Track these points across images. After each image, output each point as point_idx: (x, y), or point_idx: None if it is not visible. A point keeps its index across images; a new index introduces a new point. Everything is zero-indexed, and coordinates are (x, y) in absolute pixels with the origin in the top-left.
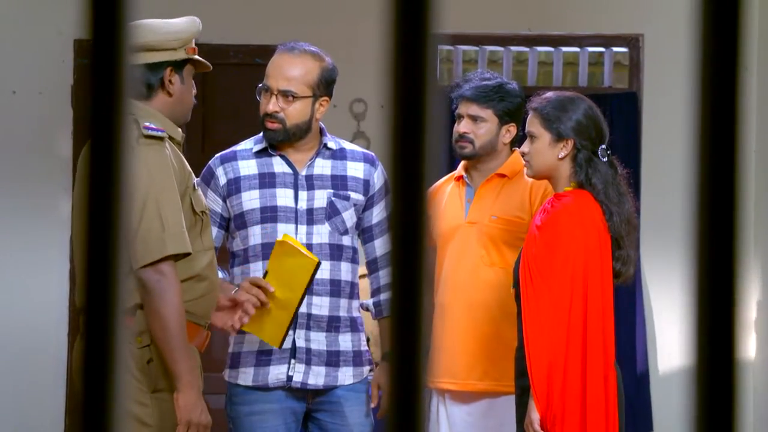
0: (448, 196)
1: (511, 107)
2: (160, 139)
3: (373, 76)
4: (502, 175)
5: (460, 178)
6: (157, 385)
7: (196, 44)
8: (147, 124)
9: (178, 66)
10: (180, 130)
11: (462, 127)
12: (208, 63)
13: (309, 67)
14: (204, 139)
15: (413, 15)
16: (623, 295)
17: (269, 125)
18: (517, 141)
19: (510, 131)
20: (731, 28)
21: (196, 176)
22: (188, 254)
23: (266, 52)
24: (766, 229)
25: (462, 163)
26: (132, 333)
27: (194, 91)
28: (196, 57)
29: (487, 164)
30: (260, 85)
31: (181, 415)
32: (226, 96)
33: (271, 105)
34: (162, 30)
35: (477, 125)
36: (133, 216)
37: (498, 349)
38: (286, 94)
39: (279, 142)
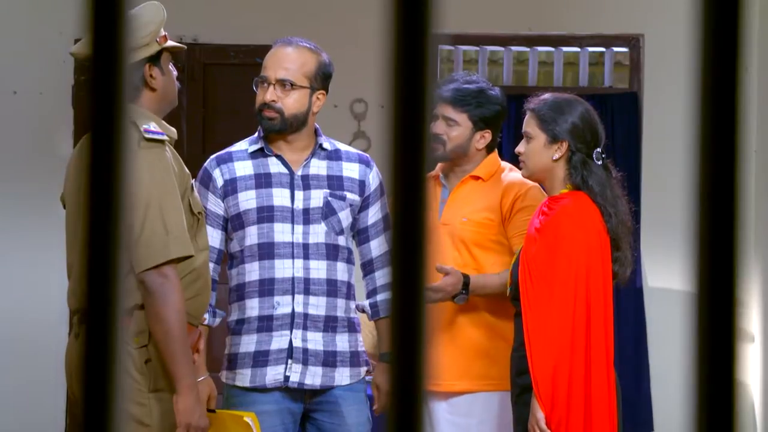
0: None
1: (487, 114)
2: (161, 142)
3: (373, 77)
4: (477, 177)
5: (436, 177)
6: (156, 385)
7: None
8: (147, 127)
9: (154, 59)
10: (174, 129)
11: (435, 127)
12: (181, 45)
13: (306, 58)
14: (204, 139)
15: (414, 15)
16: (624, 294)
17: (267, 114)
18: (495, 146)
19: (485, 137)
20: (731, 28)
21: (193, 177)
22: (190, 257)
23: (266, 52)
24: (767, 229)
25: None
26: (130, 333)
27: (175, 72)
28: (169, 44)
29: (461, 167)
30: (257, 78)
31: (180, 419)
32: (227, 96)
33: (269, 94)
34: (132, 28)
35: (450, 128)
36: (135, 220)
37: (473, 350)
38: (284, 84)
39: (276, 132)
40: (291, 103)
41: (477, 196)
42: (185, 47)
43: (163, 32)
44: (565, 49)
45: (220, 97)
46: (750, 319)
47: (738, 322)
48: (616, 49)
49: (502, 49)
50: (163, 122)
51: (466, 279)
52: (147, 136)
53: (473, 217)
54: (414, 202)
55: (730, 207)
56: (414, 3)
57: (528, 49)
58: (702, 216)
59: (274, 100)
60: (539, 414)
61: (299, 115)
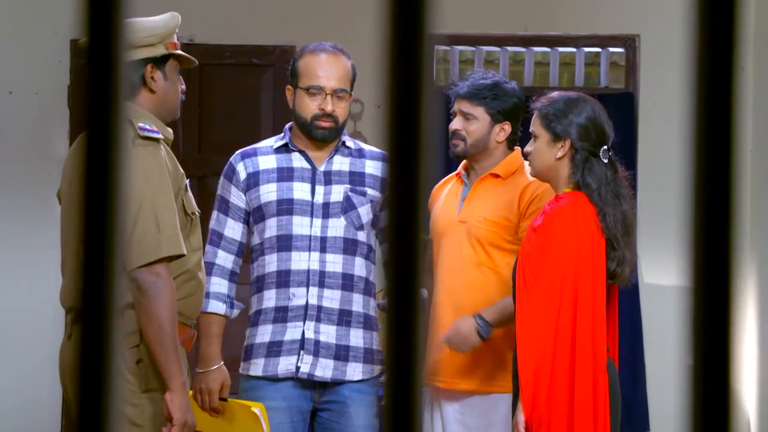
0: (446, 193)
1: (505, 106)
2: (156, 140)
3: (369, 77)
4: (496, 175)
5: (458, 175)
6: (147, 385)
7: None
8: (142, 125)
9: (158, 62)
10: (170, 129)
11: (454, 123)
12: (192, 58)
13: (347, 65)
14: (200, 139)
15: (410, 15)
16: (619, 294)
17: (324, 124)
18: (517, 141)
19: (504, 129)
20: (727, 28)
21: (189, 177)
22: (182, 256)
23: (262, 52)
24: (762, 229)
25: (463, 161)
26: (123, 333)
27: (182, 86)
28: (178, 52)
29: (482, 163)
30: (309, 86)
31: (177, 416)
32: (223, 96)
33: (329, 105)
34: (139, 27)
35: (468, 122)
36: (128, 217)
37: (484, 349)
38: (339, 93)
39: (329, 140)
40: (343, 111)
41: (495, 195)
42: (196, 62)
43: (175, 40)
44: (561, 49)
45: (216, 96)
46: (745, 317)
47: (734, 320)
48: (611, 49)
49: (498, 49)
50: (160, 122)
51: (478, 320)
52: (142, 134)
53: (490, 216)
54: (410, 202)
55: (726, 206)
56: (410, 3)
57: (524, 50)
58: (698, 215)
59: (333, 110)
60: (520, 417)
61: (346, 120)
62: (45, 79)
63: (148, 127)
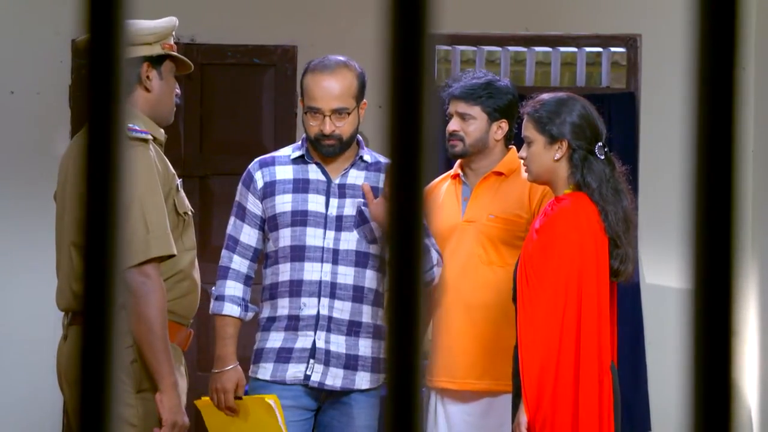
0: (444, 195)
1: (500, 104)
2: (145, 141)
3: (370, 77)
4: (499, 173)
5: (456, 176)
6: (141, 386)
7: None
8: (131, 125)
9: (155, 62)
10: (162, 130)
11: (451, 125)
12: (189, 62)
13: (349, 80)
14: (202, 139)
15: (411, 15)
16: (621, 293)
17: (327, 143)
18: (513, 138)
19: (501, 127)
20: (728, 27)
21: (190, 177)
22: (172, 256)
23: (263, 52)
24: (764, 229)
25: (458, 161)
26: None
27: (177, 91)
28: (174, 54)
29: (480, 162)
30: (308, 107)
31: (167, 417)
32: (224, 96)
33: (327, 127)
34: (137, 25)
35: (466, 123)
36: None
37: (496, 348)
38: (339, 113)
39: (338, 154)
40: (347, 127)
41: (502, 193)
42: (192, 67)
43: (172, 42)
44: (562, 49)
45: (217, 96)
46: (746, 318)
47: (735, 320)
48: (613, 49)
49: (499, 49)
50: (152, 123)
51: None
52: (130, 135)
53: (501, 214)
54: (411, 203)
55: (728, 206)
56: (411, 3)
57: (525, 50)
58: (699, 215)
59: (333, 131)
60: (522, 418)
61: (354, 133)
62: (46, 79)
63: (136, 127)
